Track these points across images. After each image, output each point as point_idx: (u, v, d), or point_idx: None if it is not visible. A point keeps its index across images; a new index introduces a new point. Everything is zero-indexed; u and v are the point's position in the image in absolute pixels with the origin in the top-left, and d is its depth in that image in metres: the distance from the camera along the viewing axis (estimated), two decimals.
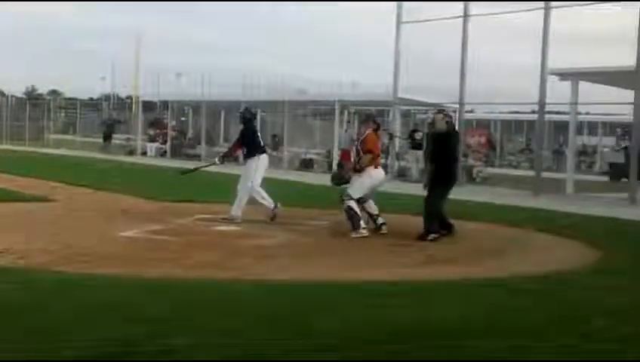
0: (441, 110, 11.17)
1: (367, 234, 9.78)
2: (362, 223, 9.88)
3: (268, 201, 11.06)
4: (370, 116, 12.48)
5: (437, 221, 9.71)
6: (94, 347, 4.17)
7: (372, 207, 10.25)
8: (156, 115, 35.14)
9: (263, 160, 11.34)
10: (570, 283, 6.88)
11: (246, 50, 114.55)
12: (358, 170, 10.15)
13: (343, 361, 4.22)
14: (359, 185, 10.09)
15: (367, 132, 10.39)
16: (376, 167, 10.25)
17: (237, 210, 10.97)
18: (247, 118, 11.85)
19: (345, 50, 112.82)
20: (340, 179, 10.76)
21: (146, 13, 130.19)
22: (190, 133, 33.72)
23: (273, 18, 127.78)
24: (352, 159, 10.56)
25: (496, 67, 19.53)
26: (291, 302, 5.61)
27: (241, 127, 11.91)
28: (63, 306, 5.22)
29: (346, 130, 25.70)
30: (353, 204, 9.94)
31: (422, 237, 9.51)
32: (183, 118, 35.65)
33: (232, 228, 10.30)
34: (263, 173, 11.33)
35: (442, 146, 10.02)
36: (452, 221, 9.96)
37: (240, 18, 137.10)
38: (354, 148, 10.59)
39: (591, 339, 4.75)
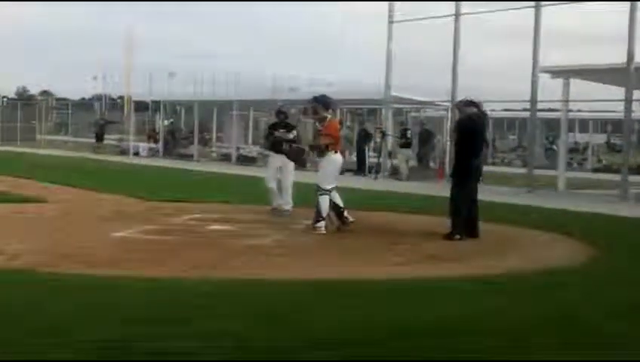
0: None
1: (324, 233, 9.85)
2: (323, 224, 9.95)
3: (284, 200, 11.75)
4: (332, 103, 11.06)
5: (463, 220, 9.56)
6: (93, 348, 4.16)
7: (337, 199, 10.22)
8: (172, 120, 34.93)
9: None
10: (567, 281, 6.90)
11: (237, 49, 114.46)
12: (317, 149, 10.28)
13: (342, 361, 4.22)
14: (323, 174, 10.17)
15: (329, 117, 10.45)
16: (335, 152, 10.31)
17: (290, 202, 11.74)
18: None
19: (337, 49, 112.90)
20: (296, 155, 11.46)
21: (137, 13, 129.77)
22: (183, 133, 33.62)
23: (264, 18, 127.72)
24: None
25: (487, 65, 19.58)
26: (289, 302, 5.60)
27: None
28: (59, 307, 5.20)
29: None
30: (326, 200, 10.01)
31: (447, 237, 9.45)
32: (171, 119, 35.49)
33: (225, 227, 10.28)
34: None
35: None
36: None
37: (231, 18, 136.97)
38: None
39: (588, 337, 4.76)
